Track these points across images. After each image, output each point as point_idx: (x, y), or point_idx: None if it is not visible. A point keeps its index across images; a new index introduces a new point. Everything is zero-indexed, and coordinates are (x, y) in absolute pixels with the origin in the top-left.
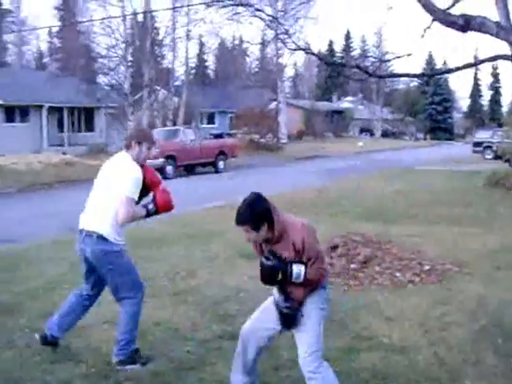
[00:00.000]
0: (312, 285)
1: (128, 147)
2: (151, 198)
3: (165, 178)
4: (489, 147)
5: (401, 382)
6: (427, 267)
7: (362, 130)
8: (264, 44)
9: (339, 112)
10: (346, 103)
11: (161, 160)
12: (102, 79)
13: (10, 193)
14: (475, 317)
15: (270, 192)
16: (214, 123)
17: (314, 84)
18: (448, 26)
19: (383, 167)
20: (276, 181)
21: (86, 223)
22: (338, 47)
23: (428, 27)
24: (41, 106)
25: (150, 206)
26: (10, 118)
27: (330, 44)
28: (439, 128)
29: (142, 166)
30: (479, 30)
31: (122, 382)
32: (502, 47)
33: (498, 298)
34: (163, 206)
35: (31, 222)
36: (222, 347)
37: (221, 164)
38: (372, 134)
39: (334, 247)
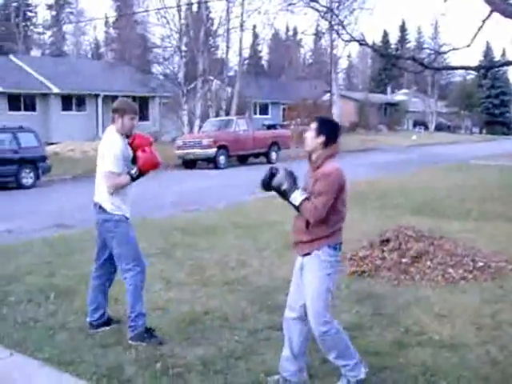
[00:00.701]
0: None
1: (112, 121)
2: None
3: (217, 167)
4: None
5: (450, 380)
6: (480, 264)
7: (415, 123)
8: (318, 35)
9: (393, 104)
10: (400, 96)
11: (213, 150)
12: (156, 69)
13: (65, 179)
14: None
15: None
16: (267, 114)
17: (368, 76)
18: (508, 16)
19: (437, 161)
20: None
21: (94, 195)
22: (393, 39)
23: (487, 18)
24: (97, 95)
25: (133, 171)
26: (66, 107)
27: (385, 35)
28: (496, 122)
29: (128, 136)
30: None
31: (171, 369)
32: None
33: None
34: (144, 165)
35: (85, 209)
36: (271, 337)
37: (273, 155)
38: (426, 128)
39: (386, 241)
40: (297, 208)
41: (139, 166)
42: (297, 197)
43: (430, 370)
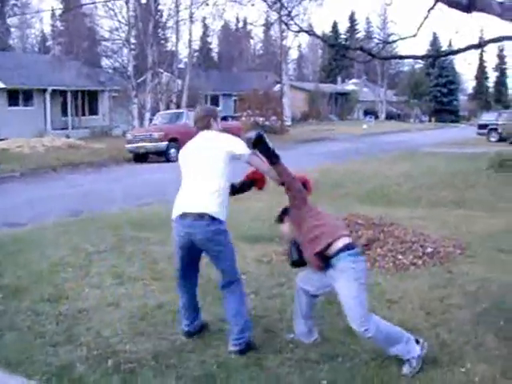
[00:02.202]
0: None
1: (206, 127)
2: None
3: (168, 160)
4: (494, 129)
5: (401, 363)
6: (430, 250)
7: (366, 113)
8: (267, 26)
9: (343, 94)
10: (350, 85)
11: (164, 143)
12: (105, 62)
13: (13, 176)
14: (477, 299)
15: None
16: (218, 106)
17: (319, 66)
18: (452, 6)
19: (387, 150)
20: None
21: (193, 205)
22: (343, 29)
23: (432, 8)
24: (44, 90)
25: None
26: (13, 102)
27: (335, 26)
28: (444, 110)
29: None
30: (483, 11)
31: (123, 365)
32: (507, 28)
33: (499, 281)
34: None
35: (34, 206)
36: (224, 329)
37: None
38: (376, 117)
39: None
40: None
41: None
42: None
43: (381, 356)
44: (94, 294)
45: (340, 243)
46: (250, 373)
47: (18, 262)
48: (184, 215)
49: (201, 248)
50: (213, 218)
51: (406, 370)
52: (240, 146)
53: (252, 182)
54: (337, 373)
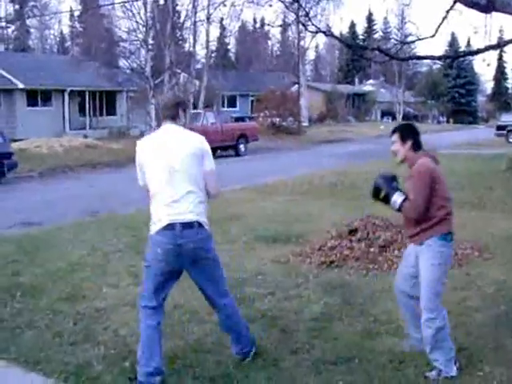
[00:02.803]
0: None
1: (174, 117)
2: None
3: None
4: None
5: (418, 367)
6: None
7: (383, 114)
8: (285, 27)
9: (361, 95)
10: (367, 86)
11: None
12: (123, 63)
13: (32, 176)
14: (495, 302)
15: (289, 174)
16: (235, 106)
17: (336, 67)
18: (470, 6)
19: None
20: (296, 164)
21: (183, 212)
22: (361, 29)
23: (450, 8)
24: (63, 90)
25: None
26: (32, 102)
27: (352, 26)
28: (462, 111)
29: None
30: (502, 11)
31: None
32: None
33: None
34: None
35: (52, 205)
36: None
37: (242, 147)
38: (394, 118)
39: (354, 231)
40: (399, 210)
41: None
42: (396, 200)
43: (398, 358)
44: (111, 293)
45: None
46: (266, 373)
47: (36, 261)
48: (170, 226)
49: (189, 260)
50: (200, 225)
51: (432, 375)
52: (208, 160)
53: None
54: (353, 375)
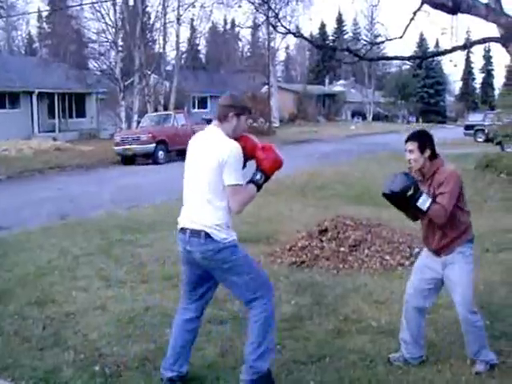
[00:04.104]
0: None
1: (220, 119)
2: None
3: (156, 162)
4: (480, 130)
5: (389, 364)
6: (417, 250)
7: (354, 114)
8: (255, 28)
9: (331, 95)
10: (338, 87)
11: (152, 145)
12: (92, 64)
13: (0, 180)
14: None
15: None
16: (206, 108)
17: (306, 68)
18: (437, 8)
19: (375, 151)
20: None
21: (188, 219)
22: (331, 30)
23: (418, 9)
24: (31, 92)
25: (258, 177)
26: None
27: (322, 27)
28: (431, 111)
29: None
30: (469, 13)
31: (110, 368)
32: (492, 30)
33: (486, 281)
34: (272, 167)
35: (21, 209)
36: (211, 331)
37: None
38: (364, 118)
39: (324, 231)
40: (420, 211)
41: (265, 169)
42: (426, 201)
43: (368, 356)
44: (81, 297)
45: None
46: (238, 374)
47: (4, 266)
48: (182, 230)
49: (203, 265)
50: (209, 236)
51: (482, 368)
52: (228, 174)
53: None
54: (324, 373)
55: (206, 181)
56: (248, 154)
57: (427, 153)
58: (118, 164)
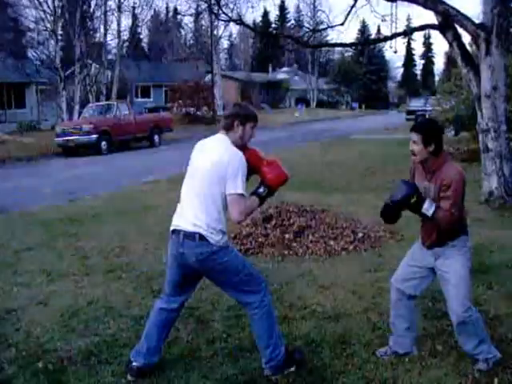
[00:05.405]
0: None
1: (227, 128)
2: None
3: (99, 153)
4: (422, 115)
5: (334, 348)
6: (361, 235)
7: (297, 101)
8: (197, 15)
9: (275, 83)
10: (281, 74)
11: (95, 135)
12: (31, 54)
13: None
14: None
15: None
16: (149, 97)
17: (250, 56)
18: None
19: (319, 137)
20: None
21: (183, 221)
22: (274, 18)
23: None
24: None
25: (261, 190)
26: None
27: (265, 15)
28: (374, 97)
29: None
30: (407, 0)
31: (54, 364)
32: (431, 17)
33: None
34: (275, 182)
35: None
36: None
37: (156, 138)
38: (308, 105)
39: (268, 218)
40: (425, 217)
41: (269, 184)
42: (429, 208)
43: (314, 341)
44: (22, 292)
45: None
46: (184, 363)
47: None
48: (175, 232)
49: (195, 268)
50: (203, 238)
51: (483, 366)
52: (231, 183)
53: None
54: None
55: (207, 186)
56: (252, 168)
57: (432, 147)
58: (60, 155)
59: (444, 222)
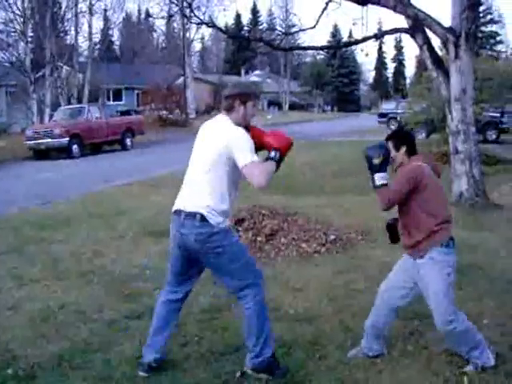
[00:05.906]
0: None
1: (228, 109)
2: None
3: (70, 157)
4: (393, 118)
5: (307, 350)
6: (332, 237)
7: (270, 104)
8: (169, 18)
9: None
10: (254, 77)
11: (66, 139)
12: (0, 56)
13: None
14: (379, 283)
15: (177, 167)
16: (120, 100)
17: (222, 58)
18: None
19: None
20: (183, 156)
21: (183, 201)
22: (246, 21)
23: (329, 0)
24: None
25: (272, 154)
26: None
27: (238, 18)
28: (346, 100)
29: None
30: (378, 4)
31: (24, 370)
32: (401, 21)
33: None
34: (282, 145)
35: None
36: (129, 327)
37: (128, 141)
38: (280, 107)
39: (241, 220)
40: (373, 183)
41: (278, 147)
42: (380, 179)
43: (287, 344)
44: None
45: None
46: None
47: None
48: (177, 212)
49: (194, 250)
50: (204, 219)
51: (470, 369)
52: (240, 155)
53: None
54: (242, 364)
55: (209, 166)
56: (258, 144)
57: (402, 149)
58: (30, 159)
59: (379, 199)
